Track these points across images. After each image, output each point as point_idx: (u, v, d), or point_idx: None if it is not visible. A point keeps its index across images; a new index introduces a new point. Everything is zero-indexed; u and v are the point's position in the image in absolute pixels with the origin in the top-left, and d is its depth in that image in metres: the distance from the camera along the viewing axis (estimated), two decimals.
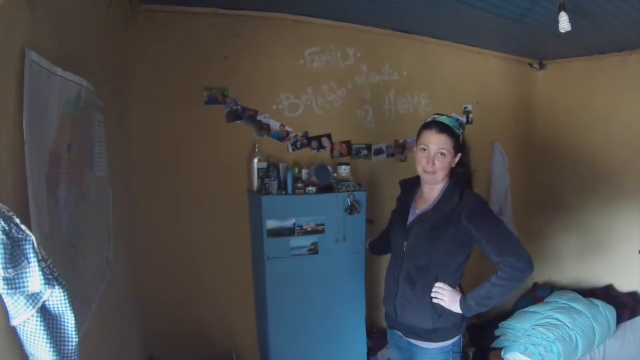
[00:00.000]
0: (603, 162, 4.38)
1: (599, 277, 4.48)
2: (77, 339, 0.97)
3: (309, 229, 3.22)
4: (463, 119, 4.36)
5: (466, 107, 4.39)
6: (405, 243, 2.27)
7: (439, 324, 2.20)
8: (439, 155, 2.15)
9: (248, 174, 3.34)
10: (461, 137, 2.22)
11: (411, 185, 2.40)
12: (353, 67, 3.75)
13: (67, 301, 0.94)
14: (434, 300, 2.19)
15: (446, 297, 2.18)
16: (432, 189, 2.26)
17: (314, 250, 3.24)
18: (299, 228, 3.18)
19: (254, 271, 3.47)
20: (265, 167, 3.25)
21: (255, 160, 3.26)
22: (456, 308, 2.17)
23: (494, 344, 3.64)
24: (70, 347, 0.96)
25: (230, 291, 3.48)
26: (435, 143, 2.16)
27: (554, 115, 4.77)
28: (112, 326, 2.10)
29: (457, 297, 2.18)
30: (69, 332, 0.96)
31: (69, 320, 0.95)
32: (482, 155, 4.53)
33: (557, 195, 4.76)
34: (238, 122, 3.37)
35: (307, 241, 3.23)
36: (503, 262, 2.09)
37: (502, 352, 3.55)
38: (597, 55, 4.31)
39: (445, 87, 4.21)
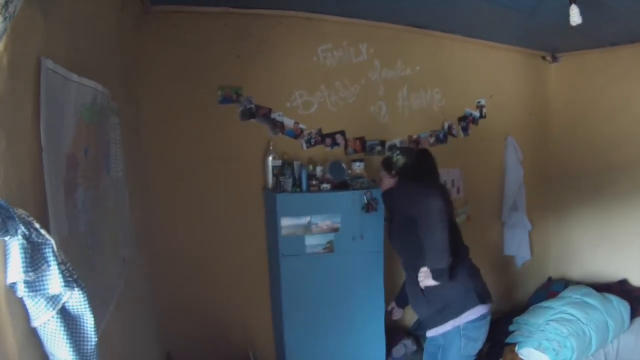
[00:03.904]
0: (618, 154, 4.33)
1: (614, 271, 4.44)
2: (96, 339, 1.00)
3: (325, 227, 3.21)
4: (477, 113, 4.34)
5: (479, 102, 4.37)
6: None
7: (430, 307, 2.46)
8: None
9: (263, 171, 3.36)
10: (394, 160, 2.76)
11: None
12: (366, 63, 3.74)
13: (86, 302, 0.98)
14: (420, 284, 2.45)
15: (424, 276, 2.41)
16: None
17: (329, 248, 3.23)
18: (314, 226, 3.17)
19: (269, 269, 3.49)
20: (280, 164, 3.27)
21: (270, 158, 3.28)
22: (431, 280, 2.37)
23: (508, 339, 3.63)
24: (89, 347, 0.99)
25: (246, 289, 3.51)
26: (380, 174, 2.88)
27: (568, 108, 4.72)
28: (130, 325, 2.14)
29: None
30: (89, 332, 0.99)
31: (88, 321, 0.99)
32: (496, 149, 4.52)
33: (572, 188, 4.72)
34: (252, 120, 3.39)
35: (322, 239, 3.21)
36: (416, 213, 2.44)
37: (517, 348, 3.53)
38: (609, 47, 4.27)
39: (458, 82, 4.19)
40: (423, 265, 2.43)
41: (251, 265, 3.49)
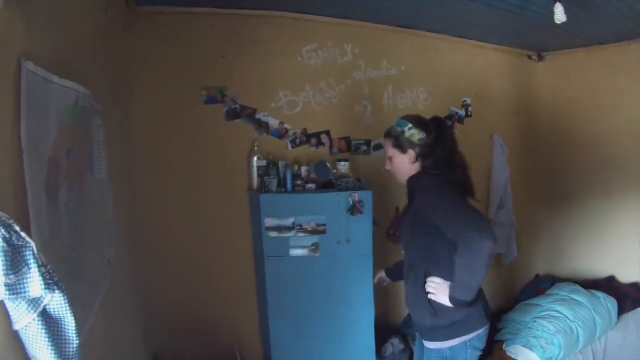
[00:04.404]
0: (605, 152, 4.38)
1: (602, 268, 4.48)
2: (78, 342, 1.00)
3: (310, 229, 3.14)
4: (462, 112, 4.37)
5: (465, 101, 4.40)
6: (401, 243, 2.39)
7: (436, 321, 2.16)
8: (388, 160, 2.34)
9: (248, 172, 3.37)
10: (406, 133, 2.23)
11: None
12: (351, 63, 3.76)
13: (67, 305, 0.98)
14: (429, 296, 2.15)
15: (437, 290, 2.12)
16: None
17: (315, 251, 3.17)
18: (298, 227, 3.12)
19: (256, 270, 3.49)
20: (265, 165, 3.28)
21: (255, 158, 3.28)
22: (448, 301, 2.08)
23: (497, 337, 3.66)
24: (71, 350, 0.99)
25: (233, 290, 3.51)
26: (385, 149, 2.37)
27: (555, 107, 4.77)
28: (115, 326, 2.14)
29: (449, 290, 2.09)
30: (70, 335, 0.99)
31: (69, 324, 0.99)
32: (482, 148, 4.55)
33: (559, 186, 4.77)
34: (237, 121, 3.40)
35: (307, 241, 3.14)
36: (455, 237, 1.99)
37: (504, 345, 3.57)
38: (596, 46, 4.30)
39: (444, 82, 4.21)
40: (434, 272, 2.16)
41: (238, 266, 3.50)
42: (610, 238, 4.43)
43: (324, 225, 3.18)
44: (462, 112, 4.39)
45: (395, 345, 3.74)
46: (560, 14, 2.79)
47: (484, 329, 2.22)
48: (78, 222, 1.56)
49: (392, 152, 2.30)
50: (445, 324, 2.15)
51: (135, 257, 3.01)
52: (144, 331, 3.09)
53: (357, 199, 3.20)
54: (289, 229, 3.12)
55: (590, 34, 3.98)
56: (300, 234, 3.14)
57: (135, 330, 2.84)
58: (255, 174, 3.29)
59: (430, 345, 2.24)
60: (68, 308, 0.98)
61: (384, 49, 3.89)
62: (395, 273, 2.80)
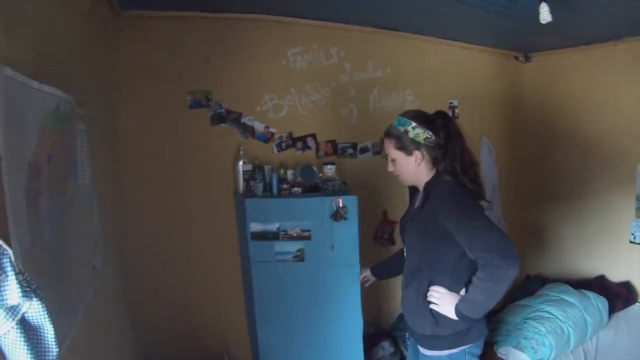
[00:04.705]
0: (594, 152, 4.39)
1: (592, 267, 4.49)
2: (57, 350, 0.99)
3: (294, 235, 3.06)
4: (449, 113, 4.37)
5: (452, 103, 4.41)
6: (404, 246, 2.23)
7: (437, 330, 2.05)
8: (390, 162, 2.15)
9: (234, 176, 3.36)
10: (410, 133, 2.05)
11: None
12: (336, 66, 3.76)
13: (45, 313, 0.97)
14: (430, 305, 2.04)
15: (441, 301, 2.01)
16: (421, 187, 2.15)
17: (299, 257, 3.10)
18: (283, 233, 3.05)
19: (243, 275, 3.47)
20: (251, 169, 3.26)
21: (241, 162, 3.27)
22: (452, 314, 1.98)
23: (486, 339, 3.65)
24: (51, 357, 0.98)
25: (221, 294, 3.50)
26: (386, 150, 2.16)
27: (543, 107, 4.78)
28: (101, 333, 2.12)
29: (454, 301, 1.98)
30: (49, 342, 0.99)
31: (48, 332, 0.98)
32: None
33: (548, 187, 4.79)
34: (223, 125, 3.39)
35: (292, 247, 3.07)
36: (477, 259, 1.89)
37: (495, 347, 3.56)
38: (582, 47, 4.32)
39: (430, 83, 4.21)
40: (438, 281, 2.04)
41: (226, 271, 3.49)
42: (599, 237, 4.44)
43: (309, 231, 3.09)
44: (449, 114, 4.39)
45: (385, 348, 3.71)
46: (545, 14, 2.80)
47: (485, 337, 2.15)
48: (61, 228, 1.55)
49: (395, 154, 2.11)
50: (446, 333, 2.05)
51: (122, 263, 3.00)
52: (133, 336, 3.07)
53: (340, 204, 3.09)
54: (274, 234, 3.07)
55: (577, 35, 4.00)
56: (285, 240, 3.07)
57: (125, 336, 2.82)
58: (241, 178, 3.28)
59: (427, 352, 2.13)
60: (46, 316, 0.97)
61: (370, 51, 3.90)
62: (382, 271, 2.73)
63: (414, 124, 2.04)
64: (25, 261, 1.15)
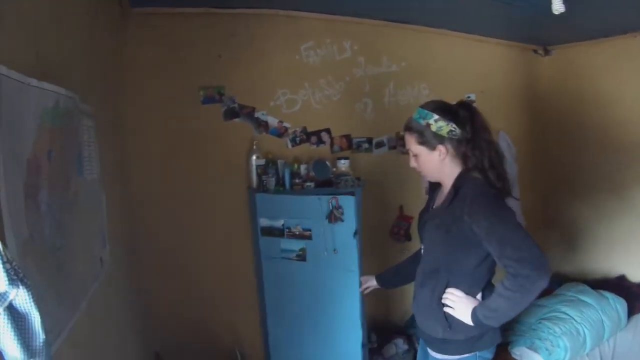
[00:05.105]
0: (615, 146, 4.28)
1: (612, 267, 4.38)
2: (44, 336, 1.03)
3: (297, 233, 2.99)
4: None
5: (469, 97, 4.35)
6: (422, 245, 2.14)
7: (449, 334, 1.96)
8: (413, 157, 2.03)
9: (247, 171, 3.39)
10: (433, 126, 1.92)
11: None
12: (350, 60, 3.75)
13: (31, 301, 1.01)
14: (445, 309, 1.95)
15: (457, 304, 1.92)
16: (446, 184, 2.02)
17: (302, 257, 3.03)
18: (287, 230, 3.01)
19: (255, 270, 3.47)
20: (264, 164, 3.29)
21: (254, 157, 3.30)
22: (468, 319, 1.89)
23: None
24: (38, 343, 1.02)
25: (234, 289, 3.54)
26: (407, 145, 2.04)
27: (562, 101, 4.68)
28: (107, 324, 2.17)
29: (471, 306, 1.89)
30: (36, 329, 1.02)
31: (35, 319, 1.02)
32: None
33: (568, 183, 4.69)
34: (236, 120, 3.42)
35: (295, 245, 3.02)
36: (506, 267, 1.78)
37: (510, 347, 3.49)
38: (601, 39, 4.23)
39: (446, 77, 4.16)
40: (455, 283, 1.96)
41: (239, 266, 3.52)
42: (620, 235, 4.34)
43: (309, 230, 2.99)
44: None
45: (398, 345, 3.70)
46: (557, 4, 2.73)
47: (497, 343, 2.07)
48: (63, 222, 1.59)
49: (418, 149, 1.98)
50: (458, 338, 1.96)
51: (134, 257, 3.06)
52: (145, 330, 3.13)
53: (336, 204, 2.91)
54: (280, 230, 3.04)
55: (595, 26, 3.91)
56: (289, 237, 3.01)
57: (135, 328, 2.88)
58: (254, 173, 3.30)
59: (437, 356, 2.06)
60: (33, 304, 1.01)
61: (384, 45, 3.88)
62: (388, 280, 2.59)
63: (436, 116, 1.92)
64: (22, 252, 1.21)
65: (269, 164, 3.30)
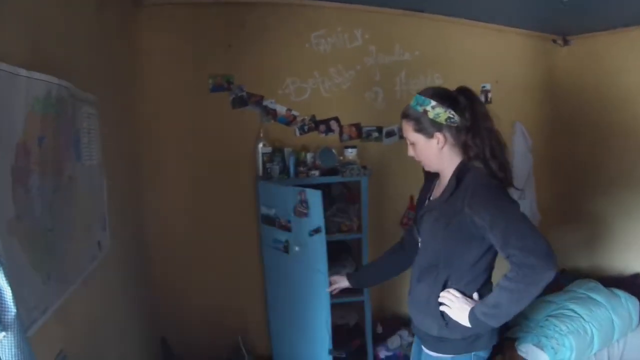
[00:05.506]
0: (634, 141, 4.18)
1: (627, 264, 4.29)
2: (15, 310, 1.10)
3: (283, 224, 2.95)
4: (481, 98, 4.24)
5: (484, 87, 4.31)
6: (419, 238, 2.05)
7: (445, 333, 1.90)
8: (410, 145, 1.96)
9: (254, 159, 3.43)
10: (430, 113, 1.84)
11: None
12: (361, 48, 3.74)
13: (2, 276, 1.08)
14: (441, 308, 1.89)
15: (454, 304, 1.85)
16: (445, 174, 1.96)
17: (285, 248, 2.97)
18: (277, 220, 2.99)
19: (260, 258, 3.50)
20: (270, 151, 3.33)
21: (260, 145, 3.34)
22: (465, 320, 1.81)
23: (508, 334, 3.46)
24: (9, 317, 1.09)
25: (241, 276, 3.61)
26: (404, 133, 1.97)
27: (581, 93, 4.57)
28: (105, 306, 2.25)
29: (468, 307, 1.82)
30: (8, 303, 1.09)
31: (6, 293, 1.09)
32: (503, 136, 4.43)
33: (585, 177, 4.59)
34: (244, 108, 3.47)
35: (282, 236, 2.98)
36: (509, 257, 1.70)
37: (516, 343, 3.38)
38: (621, 29, 4.12)
39: (460, 67, 4.10)
40: (454, 280, 1.90)
41: (245, 254, 3.59)
42: (637, 233, 4.24)
43: (290, 222, 2.91)
44: (481, 98, 4.30)
45: (403, 337, 3.71)
46: None
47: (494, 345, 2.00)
48: (56, 204, 1.67)
49: (414, 137, 1.91)
50: (454, 337, 1.90)
51: (141, 243, 3.14)
52: (152, 315, 3.22)
53: (302, 198, 2.77)
54: (273, 220, 3.05)
55: (614, 16, 3.80)
56: (278, 227, 2.99)
57: (140, 313, 2.96)
58: (260, 161, 3.35)
59: (431, 353, 1.99)
60: (4, 279, 1.08)
61: (396, 34, 3.85)
62: (365, 278, 2.51)
63: (433, 102, 1.84)
64: (7, 231, 1.29)
65: (275, 152, 3.33)
